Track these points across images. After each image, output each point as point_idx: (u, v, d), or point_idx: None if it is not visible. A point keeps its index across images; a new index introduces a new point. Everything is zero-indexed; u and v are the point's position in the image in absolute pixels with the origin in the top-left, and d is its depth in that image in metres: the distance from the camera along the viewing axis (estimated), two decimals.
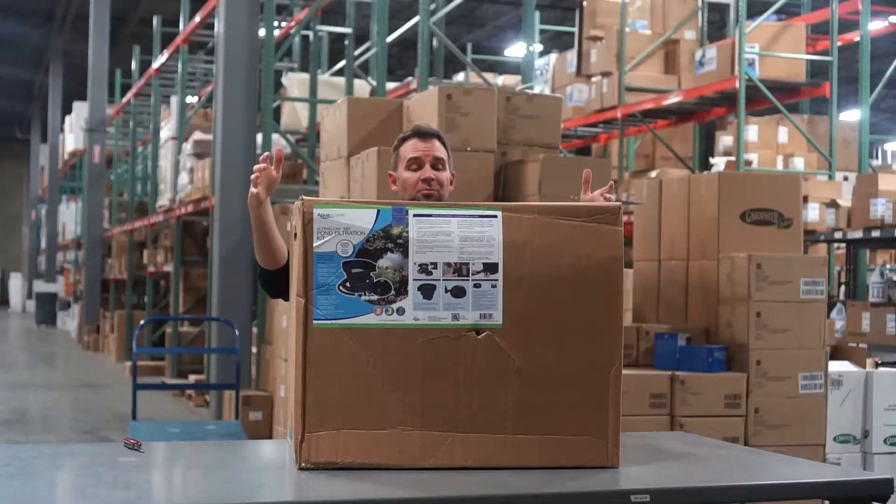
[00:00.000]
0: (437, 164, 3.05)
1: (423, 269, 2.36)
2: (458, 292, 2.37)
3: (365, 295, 2.36)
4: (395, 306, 2.36)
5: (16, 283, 33.86)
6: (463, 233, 2.38)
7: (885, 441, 5.05)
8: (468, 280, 2.37)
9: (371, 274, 2.36)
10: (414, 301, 2.36)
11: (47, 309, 24.72)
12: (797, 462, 2.88)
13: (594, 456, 2.44)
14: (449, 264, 2.37)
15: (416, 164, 3.06)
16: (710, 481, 2.49)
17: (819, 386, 4.65)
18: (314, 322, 2.35)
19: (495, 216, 2.39)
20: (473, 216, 2.39)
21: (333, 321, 2.35)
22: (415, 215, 2.38)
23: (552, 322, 2.40)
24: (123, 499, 2.16)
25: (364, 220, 2.37)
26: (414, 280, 2.36)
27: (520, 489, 2.29)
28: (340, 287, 2.36)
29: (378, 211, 2.37)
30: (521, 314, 2.39)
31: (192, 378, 11.01)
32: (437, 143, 3.08)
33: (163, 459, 2.70)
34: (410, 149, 3.08)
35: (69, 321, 22.32)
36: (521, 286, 2.39)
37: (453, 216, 2.39)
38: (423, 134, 3.09)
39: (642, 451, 2.97)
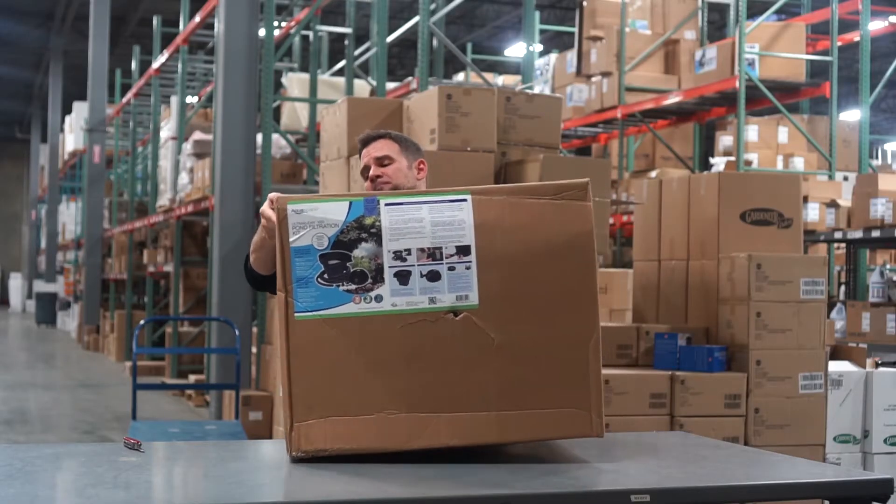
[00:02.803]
0: (381, 161, 3.09)
1: (398, 255, 2.41)
2: (433, 276, 2.40)
3: (343, 285, 2.41)
4: (372, 294, 2.40)
5: (16, 283, 33.86)
6: (434, 218, 2.42)
7: (885, 441, 5.05)
8: (442, 264, 2.41)
9: (347, 264, 2.41)
10: (391, 288, 2.40)
11: (47, 309, 24.71)
12: (797, 462, 2.88)
13: (578, 427, 2.47)
14: (422, 249, 2.41)
15: (366, 171, 3.12)
16: (710, 481, 2.49)
17: (819, 386, 4.65)
18: (296, 315, 2.40)
19: (465, 200, 2.43)
20: (444, 201, 2.43)
21: (314, 313, 2.40)
22: (386, 204, 2.43)
23: (528, 299, 2.44)
24: (123, 499, 2.16)
25: (337, 212, 2.42)
26: (389, 267, 2.41)
27: (520, 489, 2.29)
28: (318, 279, 2.41)
29: (350, 203, 2.43)
30: (496, 293, 2.42)
31: (192, 378, 11.01)
32: (379, 144, 3.12)
33: (163, 459, 2.70)
34: (362, 161, 3.15)
35: (69, 321, 22.32)
36: (494, 266, 2.42)
37: (424, 203, 2.43)
38: (367, 140, 3.14)
39: (642, 451, 2.97)
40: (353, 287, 2.40)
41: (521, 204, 2.44)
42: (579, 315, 2.46)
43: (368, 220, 2.42)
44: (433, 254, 2.41)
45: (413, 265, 2.41)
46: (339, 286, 2.40)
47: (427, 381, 2.41)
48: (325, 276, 2.41)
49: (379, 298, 2.40)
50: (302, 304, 2.41)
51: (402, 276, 2.41)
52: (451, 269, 2.41)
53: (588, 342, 2.47)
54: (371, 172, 3.09)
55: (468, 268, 2.41)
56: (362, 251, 2.41)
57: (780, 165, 10.20)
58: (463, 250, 2.41)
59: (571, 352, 2.46)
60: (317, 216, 2.42)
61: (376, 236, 2.41)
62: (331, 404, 2.40)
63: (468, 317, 2.41)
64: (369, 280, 2.41)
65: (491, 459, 2.60)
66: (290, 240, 2.42)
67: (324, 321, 2.40)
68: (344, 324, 2.40)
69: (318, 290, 2.40)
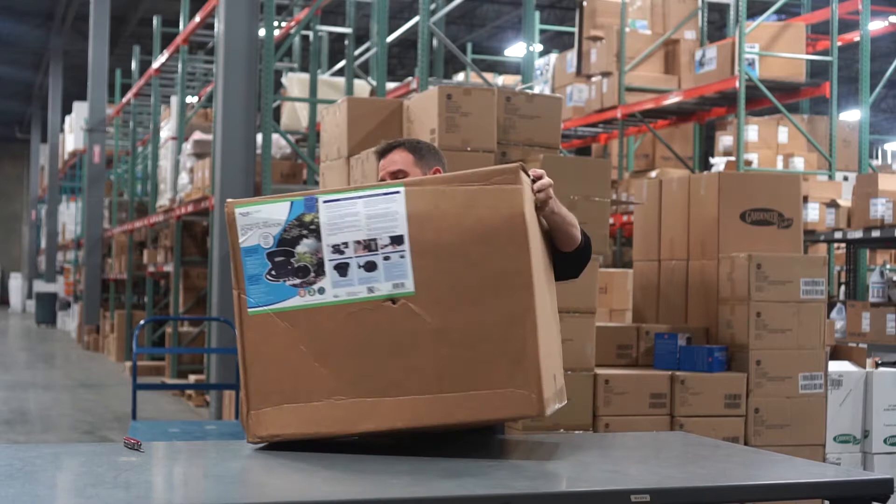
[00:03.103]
0: (395, 176, 3.10)
1: (337, 249, 2.53)
2: (370, 266, 2.52)
3: (289, 280, 2.55)
4: (315, 287, 2.53)
5: (16, 283, 33.86)
6: (369, 211, 2.53)
7: (885, 441, 5.05)
8: (378, 254, 2.52)
9: (291, 260, 2.55)
10: (332, 280, 2.53)
11: (47, 309, 24.72)
12: (797, 462, 2.88)
13: (518, 407, 2.49)
14: (359, 242, 2.52)
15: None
16: (710, 481, 2.49)
17: (819, 386, 4.65)
18: (248, 310, 2.56)
19: (398, 192, 2.53)
20: (378, 195, 2.54)
21: (265, 307, 2.55)
22: (324, 202, 2.55)
23: (463, 283, 2.51)
24: (123, 499, 2.16)
25: (279, 212, 2.56)
26: (329, 260, 2.53)
27: (520, 489, 2.29)
28: (267, 276, 2.56)
29: (291, 203, 2.56)
30: (431, 280, 2.50)
31: (192, 378, 11.01)
32: (396, 155, 3.12)
33: (163, 459, 2.70)
34: (379, 173, 3.16)
35: (69, 321, 22.32)
36: (428, 253, 2.51)
37: (359, 197, 2.54)
38: (383, 151, 3.15)
39: (642, 451, 2.97)
40: (297, 281, 2.54)
41: (453, 192, 2.52)
42: (513, 296, 2.50)
43: (308, 218, 2.54)
44: (369, 245, 2.52)
45: (351, 257, 2.52)
46: (285, 281, 2.54)
47: (371, 367, 2.52)
48: (273, 272, 2.55)
49: (322, 291, 2.53)
50: (253, 300, 2.56)
51: (342, 269, 2.53)
52: (387, 258, 2.51)
53: (523, 322, 2.49)
54: None
55: (402, 256, 2.51)
56: (304, 247, 2.54)
57: (780, 165, 10.20)
58: (397, 240, 2.51)
59: (507, 332, 2.50)
60: (262, 217, 2.56)
61: (316, 232, 2.54)
62: (283, 393, 2.54)
63: (405, 304, 2.51)
64: (312, 274, 2.53)
65: (489, 456, 2.60)
66: (240, 241, 2.57)
67: (274, 315, 2.54)
68: (292, 316, 2.54)
69: (267, 286, 2.55)
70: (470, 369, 2.49)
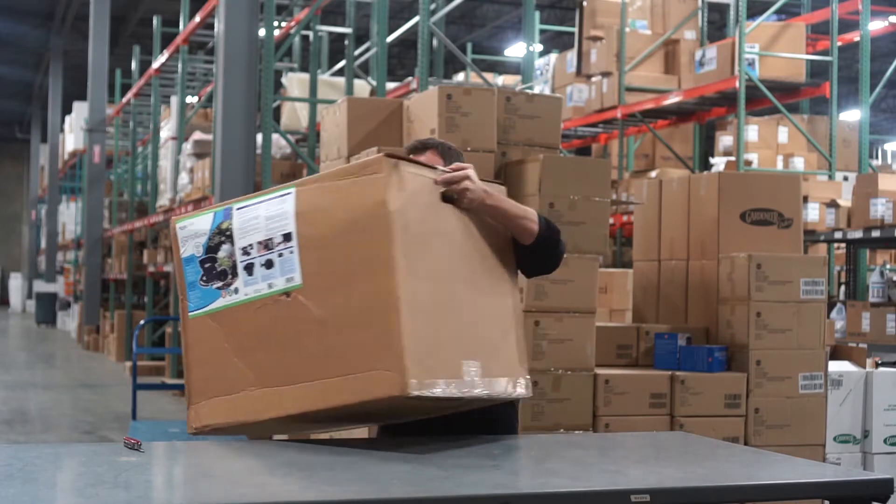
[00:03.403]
0: None
1: (245, 251, 2.75)
2: (269, 264, 2.72)
3: (214, 283, 2.78)
4: (232, 287, 2.76)
5: (16, 283, 33.86)
6: (267, 213, 2.73)
7: (885, 441, 5.05)
8: (274, 252, 2.71)
9: (215, 265, 2.78)
10: (243, 280, 2.75)
11: (47, 309, 24.72)
12: (797, 462, 2.88)
13: (387, 387, 2.58)
14: (260, 242, 2.73)
15: None
16: (710, 481, 2.49)
17: (819, 386, 4.65)
18: (189, 314, 2.80)
19: (290, 193, 2.72)
20: (275, 197, 2.74)
21: (200, 311, 2.79)
22: (237, 209, 2.77)
23: (339, 272, 2.66)
24: (123, 499, 2.16)
25: (205, 223, 2.80)
26: (240, 262, 2.75)
27: (520, 489, 2.29)
28: (200, 281, 2.79)
29: (213, 213, 2.80)
30: (315, 272, 2.68)
31: None
32: (427, 156, 3.15)
33: (163, 459, 2.71)
34: None
35: (69, 321, 22.32)
36: (312, 247, 2.68)
37: (262, 202, 2.75)
38: (415, 149, 3.19)
39: (642, 451, 2.97)
40: (220, 284, 2.77)
41: (331, 187, 2.69)
42: (379, 283, 2.60)
43: (224, 225, 2.78)
44: (267, 244, 2.72)
45: (255, 257, 2.73)
46: (212, 285, 2.78)
47: (275, 358, 2.71)
48: (204, 278, 2.79)
49: (236, 290, 2.75)
50: (192, 305, 2.80)
51: (249, 268, 2.74)
52: (280, 255, 2.71)
53: (387, 306, 2.59)
54: None
55: (291, 252, 2.70)
56: (223, 252, 2.77)
57: (780, 165, 10.20)
58: (287, 237, 2.70)
59: (374, 317, 2.60)
60: (194, 229, 2.81)
61: (230, 237, 2.76)
62: (213, 387, 2.78)
63: (296, 296, 2.69)
64: (230, 276, 2.76)
65: (489, 456, 2.60)
66: (180, 252, 2.83)
67: (207, 316, 2.78)
68: (218, 317, 2.77)
69: (201, 291, 2.79)
70: (347, 354, 2.62)
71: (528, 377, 2.96)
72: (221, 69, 8.79)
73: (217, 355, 2.76)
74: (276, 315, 2.69)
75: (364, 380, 2.59)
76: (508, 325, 2.96)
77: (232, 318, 2.74)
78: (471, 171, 2.84)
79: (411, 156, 3.16)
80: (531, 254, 2.97)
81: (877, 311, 8.49)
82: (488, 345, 2.86)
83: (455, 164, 2.87)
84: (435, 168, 2.86)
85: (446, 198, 2.81)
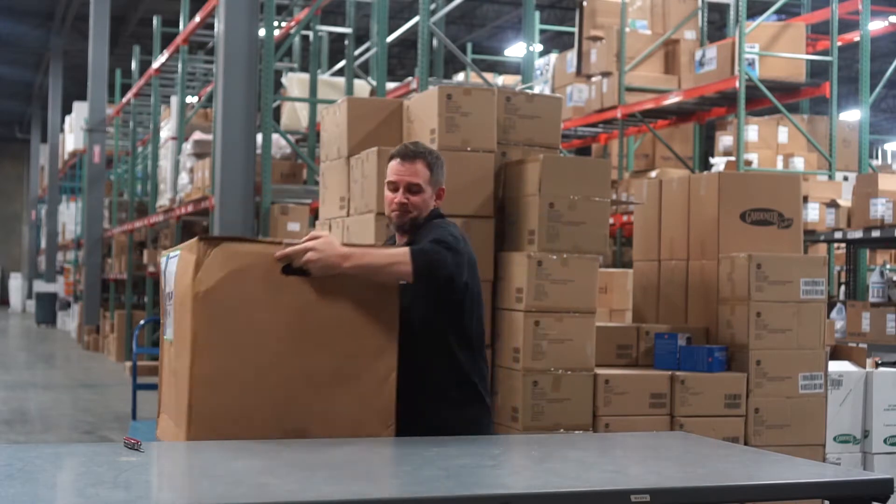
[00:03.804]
0: (411, 188, 3.21)
1: (168, 296, 3.11)
2: (168, 314, 3.12)
3: (167, 318, 3.14)
4: (167, 327, 3.14)
5: (16, 283, 33.85)
6: (172, 270, 3.07)
7: (885, 441, 5.05)
8: (170, 304, 3.09)
9: (168, 303, 3.13)
10: (167, 322, 3.15)
11: (47, 309, 24.71)
12: (797, 462, 2.88)
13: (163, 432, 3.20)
14: (169, 293, 3.11)
15: (393, 186, 3.26)
16: (710, 481, 2.50)
17: (819, 386, 4.65)
18: (164, 338, 3.19)
19: (176, 255, 3.04)
20: (174, 256, 3.06)
21: (167, 337, 3.15)
22: (169, 258, 3.12)
23: (179, 337, 3.00)
24: (123, 499, 2.16)
25: (170, 263, 3.10)
26: (167, 307, 3.13)
27: (520, 489, 2.29)
28: (166, 312, 3.15)
29: (167, 257, 3.15)
30: (175, 331, 3.03)
31: None
32: (417, 166, 3.18)
33: (163, 459, 2.71)
34: (392, 170, 3.26)
35: (69, 321, 22.31)
36: (177, 307, 3.02)
37: (174, 257, 3.07)
38: (405, 156, 3.24)
39: (642, 451, 2.97)
40: (168, 320, 3.13)
41: (182, 258, 2.97)
42: (185, 354, 2.91)
43: (170, 269, 3.11)
44: (170, 295, 3.08)
45: (169, 304, 3.09)
46: (167, 318, 3.14)
47: (168, 391, 3.17)
48: (167, 310, 3.13)
49: (166, 331, 3.14)
50: (166, 331, 3.15)
51: (168, 314, 3.12)
52: (167, 309, 3.12)
53: (186, 378, 2.88)
54: (398, 198, 3.21)
55: (170, 308, 3.08)
56: (167, 293, 3.14)
57: (780, 165, 10.19)
58: (170, 295, 3.08)
59: (182, 384, 2.95)
60: (166, 268, 3.14)
61: (167, 282, 3.15)
62: (164, 404, 3.25)
63: (170, 345, 3.09)
64: (168, 317, 3.12)
65: (489, 456, 2.60)
66: (163, 286, 3.20)
67: (168, 344, 3.14)
68: (166, 346, 3.18)
69: (168, 320, 3.13)
70: (180, 405, 2.97)
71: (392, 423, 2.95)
72: (221, 69, 8.79)
73: (165, 378, 3.23)
74: (169, 358, 3.13)
75: (174, 430, 3.01)
76: (346, 385, 2.97)
77: (166, 349, 3.18)
78: (317, 242, 2.87)
79: (399, 161, 3.22)
80: (419, 287, 3.02)
81: (877, 311, 8.49)
82: (307, 410, 2.93)
83: (309, 234, 2.96)
84: (280, 242, 2.96)
85: (293, 270, 2.87)
